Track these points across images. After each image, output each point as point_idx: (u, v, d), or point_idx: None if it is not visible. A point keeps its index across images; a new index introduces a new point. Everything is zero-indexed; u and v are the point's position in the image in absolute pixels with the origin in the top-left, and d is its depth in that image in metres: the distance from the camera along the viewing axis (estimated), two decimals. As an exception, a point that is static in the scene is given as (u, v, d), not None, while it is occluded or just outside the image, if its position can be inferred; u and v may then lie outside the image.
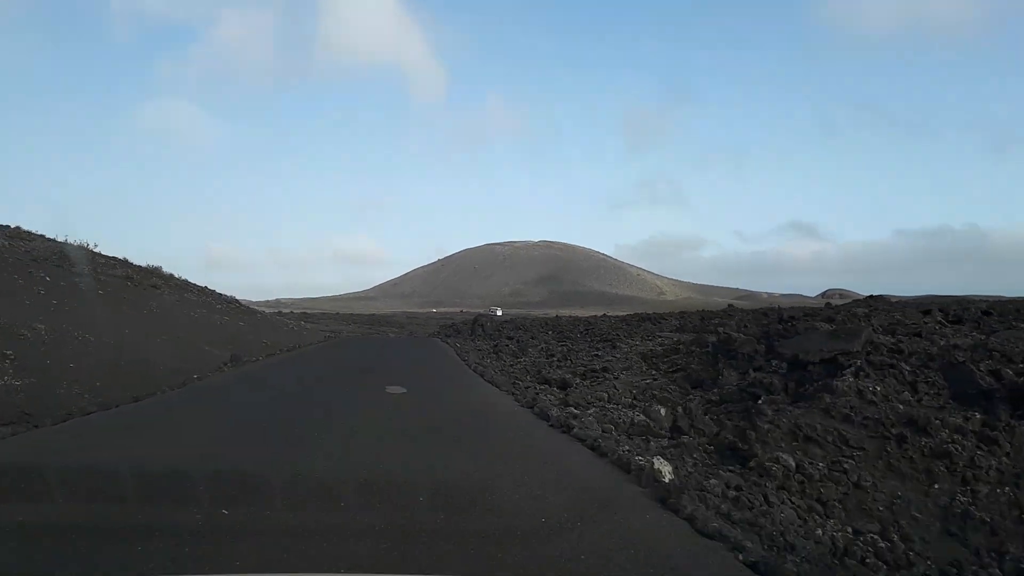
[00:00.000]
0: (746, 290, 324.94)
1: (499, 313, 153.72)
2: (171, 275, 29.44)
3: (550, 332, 28.86)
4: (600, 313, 52.21)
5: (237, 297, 36.08)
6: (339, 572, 3.78)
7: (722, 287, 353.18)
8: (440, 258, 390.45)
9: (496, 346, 23.02)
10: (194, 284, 31.05)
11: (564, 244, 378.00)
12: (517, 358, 19.13)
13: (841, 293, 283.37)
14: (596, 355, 16.52)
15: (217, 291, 32.63)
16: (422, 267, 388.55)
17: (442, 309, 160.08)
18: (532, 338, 24.95)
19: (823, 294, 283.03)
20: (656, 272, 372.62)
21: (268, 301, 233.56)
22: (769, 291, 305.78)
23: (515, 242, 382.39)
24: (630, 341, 19.75)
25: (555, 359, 17.21)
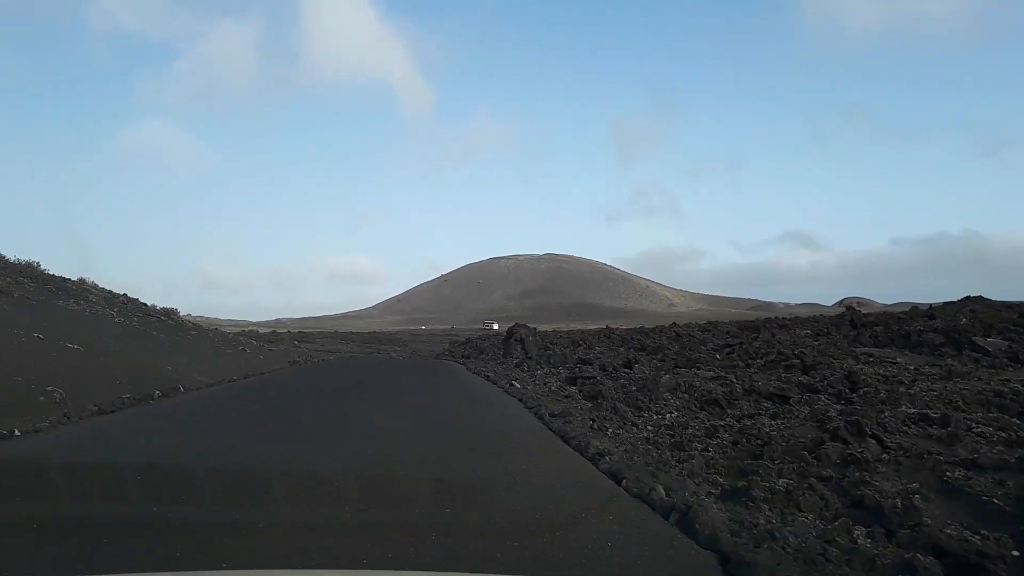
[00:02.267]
0: (759, 300, 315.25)
1: (495, 327, 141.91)
2: (60, 277, 19.74)
3: (629, 349, 19.04)
4: (621, 325, 42.81)
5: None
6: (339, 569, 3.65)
7: (731, 297, 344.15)
8: (443, 273, 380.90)
9: (573, 379, 13.16)
10: (103, 290, 21.37)
11: (569, 256, 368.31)
12: (642, 413, 9.31)
13: (859, 301, 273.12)
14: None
15: (141, 301, 23.00)
16: (424, 283, 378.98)
17: (432, 327, 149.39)
18: (633, 364, 14.83)
19: (841, 302, 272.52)
20: (664, 283, 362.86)
21: (268, 321, 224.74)
22: (785, 301, 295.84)
23: (519, 255, 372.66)
24: (863, 368, 9.94)
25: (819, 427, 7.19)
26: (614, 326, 42.39)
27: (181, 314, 27.15)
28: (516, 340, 23.06)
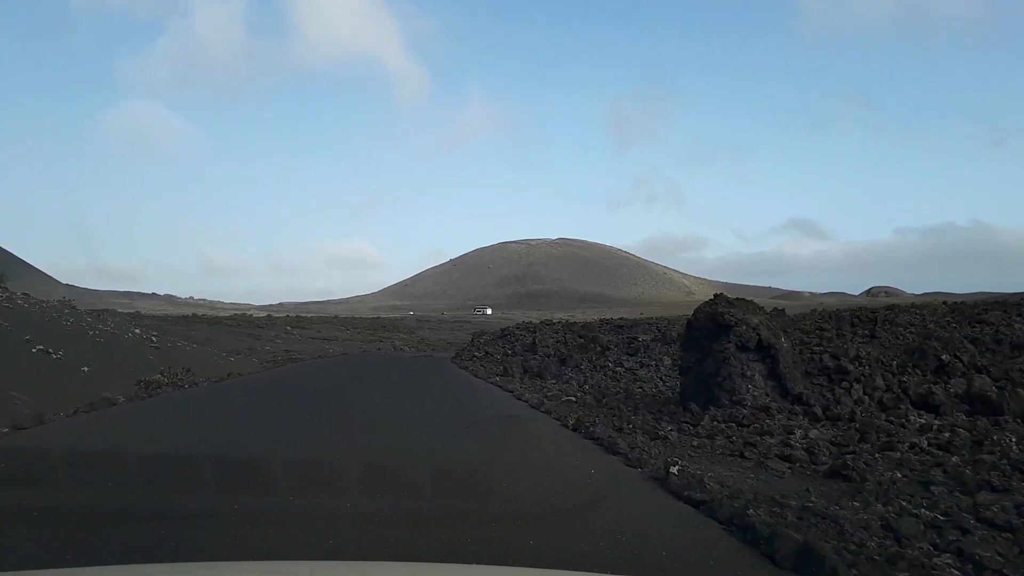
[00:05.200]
0: (780, 289, 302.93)
1: (488, 312, 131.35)
2: None
3: None
4: (641, 313, 31.89)
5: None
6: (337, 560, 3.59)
7: (750, 286, 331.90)
8: (451, 258, 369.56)
9: None
10: None
11: (582, 241, 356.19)
12: None
13: (887, 291, 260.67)
14: None
15: None
16: (432, 268, 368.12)
17: (420, 313, 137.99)
18: None
19: (867, 292, 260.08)
20: (681, 270, 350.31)
21: (272, 306, 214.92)
22: (810, 291, 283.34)
23: (530, 240, 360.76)
24: None
25: None
26: (633, 315, 31.54)
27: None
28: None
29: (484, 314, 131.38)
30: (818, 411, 8.77)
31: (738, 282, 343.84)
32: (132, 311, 78.66)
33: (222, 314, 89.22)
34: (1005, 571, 3.41)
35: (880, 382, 9.33)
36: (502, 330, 25.28)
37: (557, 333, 20.31)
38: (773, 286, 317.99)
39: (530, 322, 28.39)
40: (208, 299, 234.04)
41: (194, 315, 72.09)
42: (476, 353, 21.91)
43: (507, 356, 19.03)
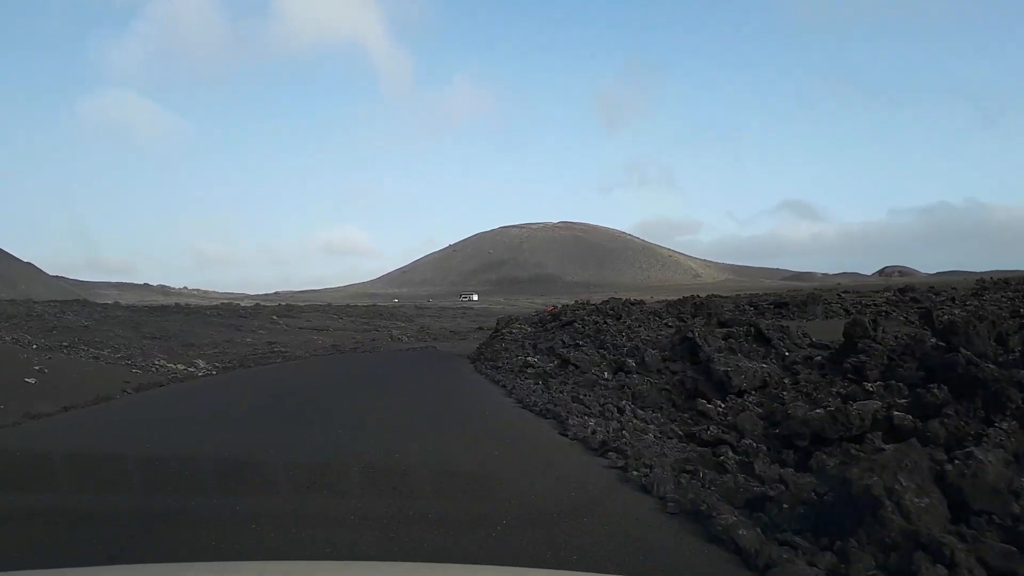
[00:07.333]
0: (790, 271, 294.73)
1: (475, 299, 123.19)
2: None
3: None
4: (653, 297, 24.13)
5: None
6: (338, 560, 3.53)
7: (760, 267, 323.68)
8: (451, 243, 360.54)
9: None
10: None
11: (586, 224, 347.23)
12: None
13: (900, 270, 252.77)
14: None
15: None
16: (431, 254, 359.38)
17: (404, 302, 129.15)
18: None
19: (880, 272, 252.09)
20: (687, 253, 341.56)
21: (268, 295, 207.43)
22: (823, 271, 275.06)
23: (532, 224, 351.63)
24: None
25: None
26: (642, 297, 23.48)
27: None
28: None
29: (470, 299, 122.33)
30: None
31: (743, 263, 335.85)
32: (111, 302, 71.67)
33: (214, 303, 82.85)
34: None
35: None
36: (557, 316, 16.27)
37: (676, 316, 11.77)
38: (778, 268, 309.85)
39: (586, 301, 19.96)
40: (202, 289, 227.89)
41: (176, 305, 65.75)
42: (532, 359, 12.10)
43: (629, 374, 9.53)
